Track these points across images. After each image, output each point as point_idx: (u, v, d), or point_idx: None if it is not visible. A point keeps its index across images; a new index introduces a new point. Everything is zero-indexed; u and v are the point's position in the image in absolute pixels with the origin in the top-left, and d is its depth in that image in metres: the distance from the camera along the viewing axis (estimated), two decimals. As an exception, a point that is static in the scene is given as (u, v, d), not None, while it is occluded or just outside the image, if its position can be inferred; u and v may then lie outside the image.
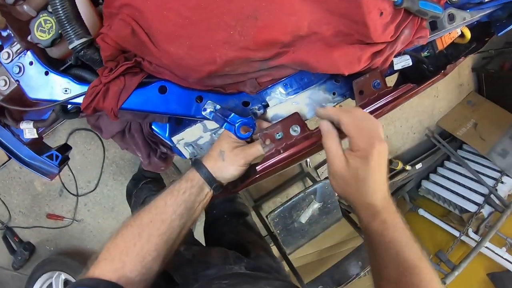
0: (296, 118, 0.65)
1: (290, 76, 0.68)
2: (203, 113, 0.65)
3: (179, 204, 0.60)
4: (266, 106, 0.70)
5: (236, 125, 0.59)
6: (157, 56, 0.57)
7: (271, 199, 2.38)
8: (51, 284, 1.72)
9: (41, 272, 1.73)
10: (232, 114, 0.60)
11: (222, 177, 0.64)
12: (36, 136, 0.90)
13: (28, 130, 0.90)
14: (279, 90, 0.69)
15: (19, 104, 0.77)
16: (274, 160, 0.64)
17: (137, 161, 2.00)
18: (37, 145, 0.96)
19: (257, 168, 0.65)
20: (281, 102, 0.70)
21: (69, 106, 0.86)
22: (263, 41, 0.55)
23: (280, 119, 0.65)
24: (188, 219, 0.62)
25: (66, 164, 1.00)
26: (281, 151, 0.64)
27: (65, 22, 0.55)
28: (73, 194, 1.89)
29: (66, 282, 1.74)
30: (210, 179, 0.63)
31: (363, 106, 0.72)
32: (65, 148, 1.02)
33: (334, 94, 0.75)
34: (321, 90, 0.73)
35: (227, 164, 0.63)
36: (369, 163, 0.53)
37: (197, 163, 0.65)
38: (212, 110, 0.64)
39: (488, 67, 2.90)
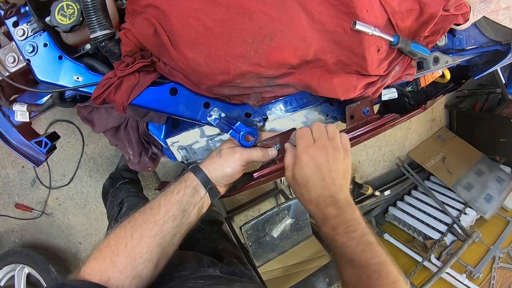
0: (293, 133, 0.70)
1: (291, 95, 0.73)
2: (208, 118, 0.68)
3: (172, 204, 0.60)
4: (265, 119, 0.75)
5: (241, 133, 0.64)
6: (175, 59, 0.60)
7: (243, 212, 2.39)
8: (13, 276, 1.62)
9: (4, 263, 1.63)
10: (239, 122, 0.64)
11: (217, 176, 0.64)
12: (27, 120, 0.89)
13: (21, 113, 0.88)
14: (280, 106, 0.74)
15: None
16: (269, 170, 0.69)
17: (115, 160, 1.96)
18: (26, 130, 0.94)
19: (254, 174, 0.69)
20: (279, 118, 0.75)
21: (66, 94, 0.86)
22: (275, 60, 0.61)
23: (279, 133, 0.70)
24: (181, 223, 0.60)
25: (52, 153, 0.99)
26: (277, 162, 0.69)
27: (91, 11, 0.56)
28: (46, 186, 1.82)
29: (29, 276, 1.64)
30: (205, 180, 0.63)
31: (352, 129, 0.79)
32: (53, 137, 1.01)
33: (327, 115, 0.81)
34: (316, 111, 0.79)
35: (223, 160, 0.63)
36: (303, 168, 0.56)
37: (194, 166, 0.65)
38: (217, 117, 0.67)
39: (460, 105, 3.10)
